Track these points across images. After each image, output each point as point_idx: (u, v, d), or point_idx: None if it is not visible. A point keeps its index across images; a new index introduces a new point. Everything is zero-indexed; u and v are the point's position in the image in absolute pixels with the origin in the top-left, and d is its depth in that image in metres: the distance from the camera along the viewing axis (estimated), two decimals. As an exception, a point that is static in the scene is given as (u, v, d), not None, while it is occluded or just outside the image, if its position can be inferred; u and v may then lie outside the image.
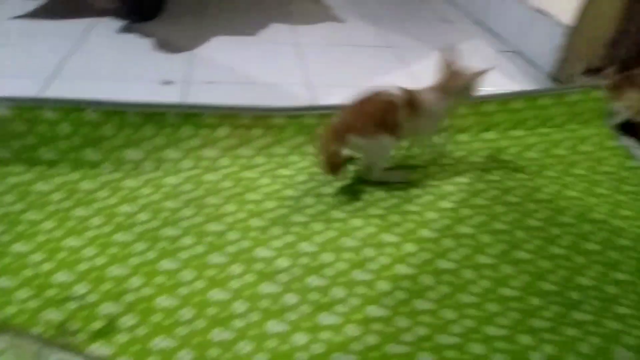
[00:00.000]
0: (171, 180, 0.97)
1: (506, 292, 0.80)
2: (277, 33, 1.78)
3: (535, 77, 1.65)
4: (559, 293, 0.80)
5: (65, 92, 1.02)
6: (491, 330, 0.71)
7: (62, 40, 1.50)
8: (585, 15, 1.48)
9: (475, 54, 1.81)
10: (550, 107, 1.29)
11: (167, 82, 1.32)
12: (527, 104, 1.28)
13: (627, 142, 1.28)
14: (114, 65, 1.43)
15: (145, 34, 1.61)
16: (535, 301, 0.78)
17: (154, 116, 1.02)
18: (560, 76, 1.59)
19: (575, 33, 1.52)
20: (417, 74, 1.56)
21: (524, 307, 0.77)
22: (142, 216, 0.87)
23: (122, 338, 0.66)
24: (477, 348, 0.66)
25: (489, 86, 1.54)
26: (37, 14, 1.70)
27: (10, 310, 0.67)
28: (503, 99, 1.27)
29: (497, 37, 1.99)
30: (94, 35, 1.58)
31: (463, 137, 1.22)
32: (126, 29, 1.64)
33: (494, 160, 1.16)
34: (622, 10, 1.32)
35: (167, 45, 1.55)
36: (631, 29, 1.32)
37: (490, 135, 1.25)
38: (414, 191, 1.02)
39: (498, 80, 1.61)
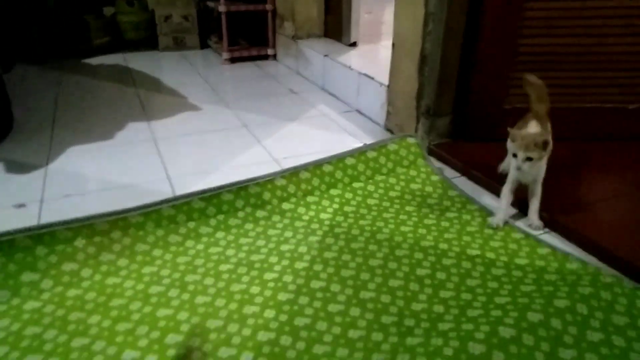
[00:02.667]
0: (31, 304, 0.98)
1: (354, 334, 0.92)
2: (134, 132, 1.85)
3: (374, 130, 1.91)
4: (397, 323, 0.95)
5: None
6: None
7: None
8: (394, 76, 1.78)
9: (322, 118, 2.04)
10: (378, 158, 1.52)
11: (20, 205, 1.32)
12: (359, 158, 1.50)
13: (447, 174, 1.55)
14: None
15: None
16: (377, 336, 0.91)
17: (1, 245, 1.03)
18: (391, 127, 1.87)
19: (390, 91, 1.81)
20: (272, 148, 1.73)
21: (367, 344, 0.89)
22: (2, 349, 0.87)
23: None
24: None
25: (334, 144, 1.76)
26: None
27: None
28: (338, 159, 1.47)
29: (338, 100, 2.27)
30: None
31: (312, 198, 1.38)
32: (-29, 156, 1.61)
33: (340, 213, 1.33)
34: (417, 70, 1.62)
35: (18, 166, 1.55)
36: (425, 83, 1.61)
37: (335, 191, 1.43)
38: (272, 258, 1.14)
39: (344, 137, 1.84)
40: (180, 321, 0.95)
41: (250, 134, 1.86)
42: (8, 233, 1.06)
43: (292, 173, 1.42)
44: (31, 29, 2.75)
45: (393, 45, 1.74)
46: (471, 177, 1.53)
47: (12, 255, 1.04)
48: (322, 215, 1.33)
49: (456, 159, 1.59)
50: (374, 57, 2.40)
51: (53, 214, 1.27)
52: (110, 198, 1.38)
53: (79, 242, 1.10)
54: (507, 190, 1.30)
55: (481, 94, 1.61)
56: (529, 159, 1.19)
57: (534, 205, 1.28)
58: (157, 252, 1.15)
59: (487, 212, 1.33)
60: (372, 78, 1.96)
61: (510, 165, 1.28)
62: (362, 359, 0.85)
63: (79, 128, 1.88)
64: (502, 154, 1.38)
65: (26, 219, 1.25)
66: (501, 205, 1.30)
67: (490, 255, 1.16)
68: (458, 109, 1.67)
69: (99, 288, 1.03)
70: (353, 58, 2.32)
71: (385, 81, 1.86)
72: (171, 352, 0.88)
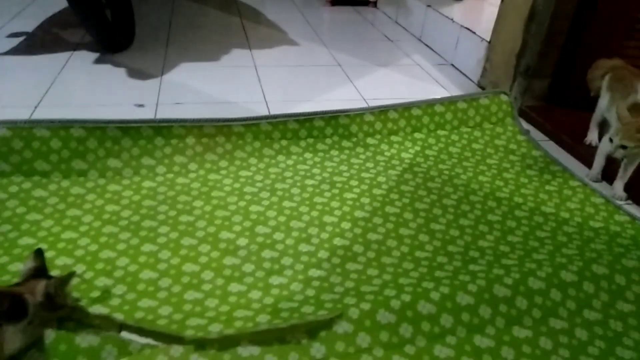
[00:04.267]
0: (148, 183, 1.16)
1: (420, 254, 1.01)
2: (237, 57, 2.00)
3: (466, 86, 1.91)
4: (462, 253, 1.02)
5: (51, 116, 1.21)
6: (403, 280, 0.91)
7: (43, 73, 1.68)
8: (497, 32, 1.75)
9: (415, 67, 2.06)
10: (467, 110, 1.53)
11: (140, 105, 1.52)
12: (448, 107, 1.52)
13: (534, 136, 1.54)
14: (92, 92, 1.61)
15: (118, 64, 1.81)
16: (442, 259, 0.99)
17: (129, 130, 1.21)
18: (484, 84, 1.85)
19: (491, 47, 1.79)
20: (363, 89, 1.79)
21: (432, 264, 0.98)
22: (125, 213, 1.06)
23: (115, 302, 0.84)
24: (390, 292, 0.87)
25: (424, 93, 1.79)
26: (18, 51, 1.88)
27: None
28: (428, 104, 1.51)
29: (434, 52, 2.26)
30: (71, 66, 1.77)
31: (396, 137, 1.45)
32: (100, 60, 1.83)
33: (421, 155, 1.39)
34: (523, 27, 1.58)
35: (138, 73, 1.75)
36: (530, 42, 1.58)
37: (419, 135, 1.48)
38: (352, 182, 1.23)
39: (434, 88, 1.87)
40: (269, 217, 1.09)
41: (343, 72, 1.93)
42: (135, 121, 1.24)
43: (381, 111, 1.48)
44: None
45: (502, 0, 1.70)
46: (560, 143, 1.51)
47: (137, 140, 1.22)
48: (404, 155, 1.39)
49: (548, 123, 1.57)
50: (478, 12, 2.34)
51: (167, 116, 1.45)
52: (214, 111, 1.53)
53: (190, 140, 1.26)
54: (599, 159, 1.30)
55: (589, 59, 1.54)
56: (624, 147, 1.16)
57: (622, 176, 1.26)
58: (252, 160, 1.29)
59: (569, 175, 1.32)
60: (474, 32, 1.94)
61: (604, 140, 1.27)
62: (426, 273, 0.93)
63: (189, 47, 2.05)
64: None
65: (145, 117, 1.44)
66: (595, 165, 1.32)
67: (565, 214, 1.17)
68: (559, 72, 1.63)
69: (203, 180, 1.19)
70: (456, 11, 2.27)
71: (487, 37, 1.83)
72: (260, 239, 1.02)
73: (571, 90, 1.62)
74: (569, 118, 1.59)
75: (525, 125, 1.60)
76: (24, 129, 1.12)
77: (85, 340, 0.73)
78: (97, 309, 0.82)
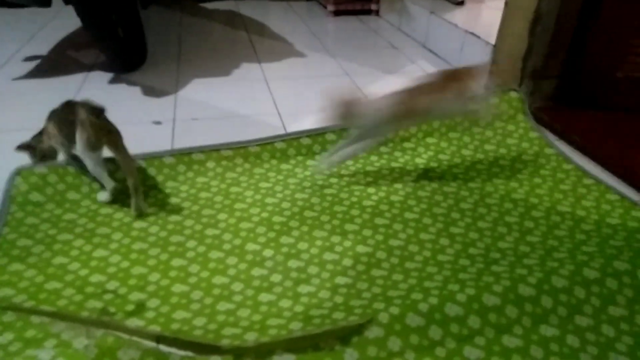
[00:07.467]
0: (173, 200, 1.19)
1: (443, 258, 1.03)
2: (247, 71, 2.04)
3: (472, 89, 1.93)
4: (483, 255, 1.04)
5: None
6: (429, 284, 0.93)
7: (60, 95, 1.72)
8: (502, 35, 1.77)
9: (421, 72, 2.09)
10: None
11: (157, 122, 1.55)
12: (458, 111, 1.55)
13: (546, 133, 1.55)
14: (109, 112, 1.64)
15: (133, 83, 1.85)
16: (464, 261, 1.01)
17: (154, 161, 1.28)
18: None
19: (497, 50, 1.82)
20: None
21: (455, 266, 1.00)
22: (153, 229, 1.09)
23: (150, 314, 0.86)
24: (417, 296, 0.89)
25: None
26: (33, 75, 1.93)
27: (62, 302, 0.87)
28: (437, 109, 1.53)
29: (439, 58, 2.29)
30: (87, 87, 1.81)
31: (408, 144, 1.47)
32: (115, 80, 1.87)
33: (435, 160, 1.42)
34: (528, 29, 1.61)
35: (153, 91, 1.79)
36: (536, 44, 1.60)
37: (431, 139, 1.51)
38: (370, 190, 1.26)
39: (439, 94, 1.88)
40: (292, 228, 1.11)
41: (350, 82, 1.96)
42: (158, 154, 1.30)
43: (391, 120, 1.51)
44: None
45: (506, 3, 1.73)
46: (571, 143, 1.53)
47: (161, 169, 1.27)
48: (418, 160, 1.42)
49: (557, 123, 1.59)
50: (480, 16, 2.37)
51: (184, 132, 1.49)
52: (230, 125, 1.57)
53: (210, 164, 1.31)
54: None
55: (596, 58, 1.57)
56: None
57: None
58: (271, 174, 1.32)
59: (582, 172, 1.34)
60: (478, 37, 1.96)
61: None
62: (450, 276, 0.95)
63: (200, 63, 2.09)
64: (607, 123, 1.37)
65: (163, 134, 1.48)
66: None
67: (581, 213, 1.19)
68: (566, 72, 1.65)
69: (225, 194, 1.22)
70: (459, 16, 2.31)
71: (491, 40, 1.86)
72: (285, 249, 1.04)
73: (579, 89, 1.64)
74: (579, 117, 1.61)
75: (535, 126, 1.62)
76: (59, 167, 1.20)
77: (126, 354, 0.76)
78: (133, 322, 0.85)
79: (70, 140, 1.09)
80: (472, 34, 2.02)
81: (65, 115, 1.11)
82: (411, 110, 1.21)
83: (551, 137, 1.57)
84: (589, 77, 1.61)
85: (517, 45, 1.69)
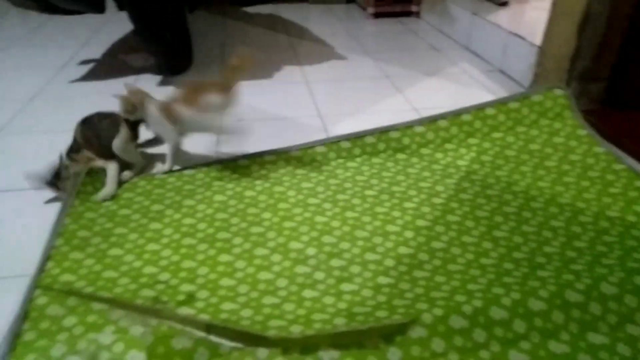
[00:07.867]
0: (219, 197, 1.24)
1: (486, 261, 1.03)
2: (288, 73, 2.08)
3: (516, 90, 1.90)
4: (528, 259, 1.03)
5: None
6: (472, 287, 0.93)
7: (113, 99, 1.81)
8: (548, 36, 1.74)
9: (463, 75, 2.07)
10: (520, 109, 1.53)
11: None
12: (499, 109, 1.53)
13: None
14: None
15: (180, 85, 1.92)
16: (509, 265, 1.00)
17: (202, 166, 1.36)
18: (537, 89, 1.84)
19: (543, 52, 1.78)
20: (412, 98, 1.82)
21: (499, 270, 0.99)
22: (201, 226, 1.13)
23: (200, 305, 0.90)
24: (461, 298, 0.89)
25: (474, 99, 1.79)
26: (88, 77, 2.03)
27: (117, 290, 0.93)
28: (477, 109, 1.52)
29: (481, 59, 2.26)
30: (137, 89, 1.89)
31: (449, 145, 1.47)
32: (164, 83, 1.95)
33: (477, 161, 1.40)
34: (577, 30, 1.57)
35: (200, 93, 1.85)
36: (584, 45, 1.56)
37: (473, 140, 1.49)
38: (411, 192, 1.26)
39: (484, 95, 1.87)
40: (334, 227, 1.13)
41: (392, 84, 1.97)
42: (202, 164, 1.38)
43: (431, 121, 1.51)
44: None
45: (553, 3, 1.69)
46: (621, 146, 1.48)
47: (210, 173, 1.34)
48: (459, 162, 1.41)
49: (607, 127, 1.54)
50: (524, 17, 2.32)
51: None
52: (273, 127, 1.61)
53: (254, 168, 1.36)
54: None
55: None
56: None
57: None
58: (312, 174, 1.35)
59: (634, 174, 1.30)
60: (523, 38, 1.93)
61: None
62: (494, 279, 0.95)
63: (243, 67, 2.15)
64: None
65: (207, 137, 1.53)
66: None
67: (632, 218, 1.15)
68: (616, 74, 1.60)
69: (269, 193, 1.26)
70: (502, 17, 2.27)
71: (536, 41, 1.82)
72: (327, 249, 1.06)
73: (629, 92, 1.59)
74: (629, 120, 1.56)
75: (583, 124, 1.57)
76: None
77: (179, 343, 0.80)
78: (184, 311, 0.89)
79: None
80: (517, 35, 1.98)
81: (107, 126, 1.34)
82: (174, 117, 1.28)
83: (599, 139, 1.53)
84: (639, 80, 1.56)
85: (565, 47, 1.65)
